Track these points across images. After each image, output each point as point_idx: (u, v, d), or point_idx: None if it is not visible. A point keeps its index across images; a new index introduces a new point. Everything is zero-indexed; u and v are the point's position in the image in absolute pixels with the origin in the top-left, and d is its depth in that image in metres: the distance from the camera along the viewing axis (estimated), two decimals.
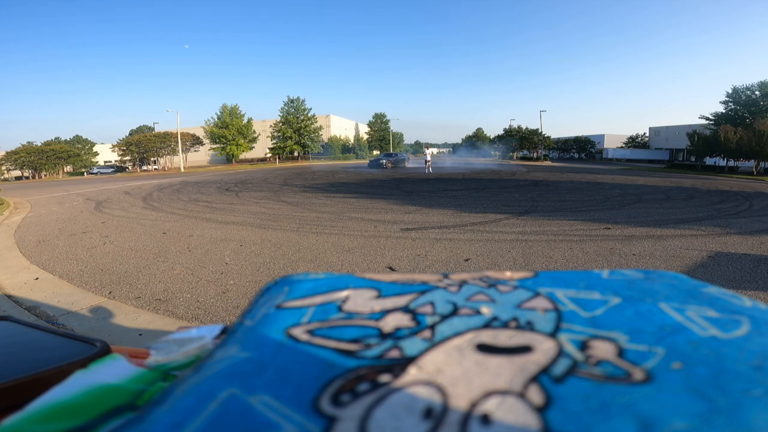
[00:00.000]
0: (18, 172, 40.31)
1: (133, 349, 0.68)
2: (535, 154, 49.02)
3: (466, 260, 4.65)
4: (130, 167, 46.59)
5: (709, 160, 31.59)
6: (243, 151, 47.66)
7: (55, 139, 47.48)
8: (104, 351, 0.55)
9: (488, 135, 64.95)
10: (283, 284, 0.44)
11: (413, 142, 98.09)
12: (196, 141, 45.71)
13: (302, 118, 49.68)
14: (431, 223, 6.88)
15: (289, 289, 0.42)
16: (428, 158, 22.59)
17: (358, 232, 6.17)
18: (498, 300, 0.38)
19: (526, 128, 49.92)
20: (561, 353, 0.29)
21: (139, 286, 3.92)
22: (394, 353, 0.30)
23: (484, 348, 0.30)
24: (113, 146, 49.12)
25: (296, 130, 49.14)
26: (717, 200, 10.30)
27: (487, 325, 0.33)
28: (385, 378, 0.27)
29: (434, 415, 0.23)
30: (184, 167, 40.38)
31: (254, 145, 49.31)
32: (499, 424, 0.23)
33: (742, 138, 26.47)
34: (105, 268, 4.57)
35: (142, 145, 43.37)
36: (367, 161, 31.24)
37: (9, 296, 3.72)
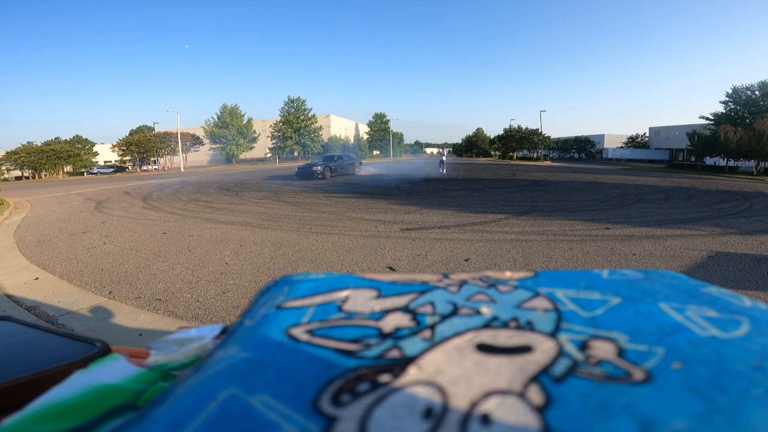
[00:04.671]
0: (18, 172, 40.27)
1: (133, 349, 0.68)
2: (535, 154, 49.03)
3: (466, 260, 4.65)
4: (130, 167, 46.60)
5: (709, 160, 31.57)
6: (243, 151, 47.71)
7: (55, 139, 47.38)
8: (104, 351, 0.55)
9: (488, 135, 64.95)
10: (283, 284, 0.44)
11: (413, 142, 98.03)
12: (196, 141, 45.75)
13: (302, 118, 49.75)
14: (431, 223, 6.89)
15: (289, 289, 0.42)
16: (444, 158, 22.18)
17: (358, 232, 6.17)
18: (498, 300, 0.38)
19: (526, 128, 49.92)
20: (561, 353, 0.29)
21: (139, 286, 3.92)
22: (394, 353, 0.30)
23: (484, 348, 0.30)
24: (113, 146, 49.09)
25: (296, 130, 49.18)
26: (717, 200, 10.30)
27: (487, 325, 0.33)
28: (385, 378, 0.27)
29: (434, 415, 0.23)
30: (184, 167, 40.40)
31: (254, 145, 49.37)
32: (499, 424, 0.23)
33: (742, 138, 26.46)
34: (105, 268, 4.57)
35: (142, 145, 43.37)
36: (296, 168, 19.90)
37: (9, 296, 3.72)
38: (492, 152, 58.68)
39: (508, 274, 0.44)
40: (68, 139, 48.33)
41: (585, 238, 5.70)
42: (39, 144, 42.40)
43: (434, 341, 0.31)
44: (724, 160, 29.63)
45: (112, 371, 0.38)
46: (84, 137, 50.03)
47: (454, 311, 0.36)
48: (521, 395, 0.25)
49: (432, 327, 0.33)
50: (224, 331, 0.51)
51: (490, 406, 0.24)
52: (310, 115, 50.20)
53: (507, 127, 51.77)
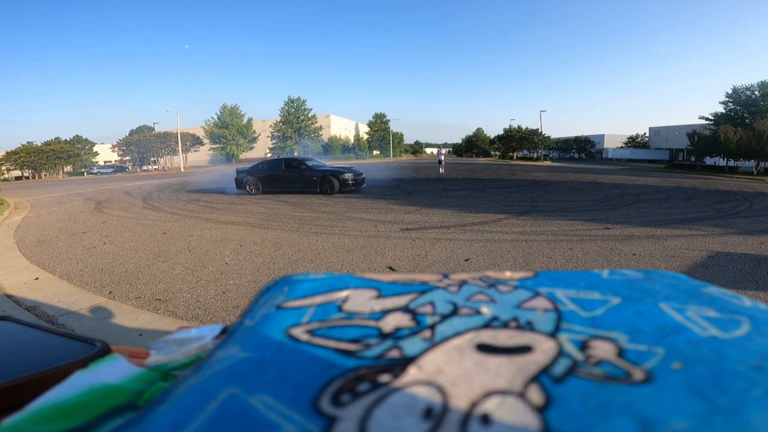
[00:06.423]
0: (18, 172, 40.27)
1: (133, 349, 0.69)
2: (535, 154, 49.05)
3: (466, 260, 4.65)
4: (130, 167, 46.62)
5: (709, 160, 31.58)
6: (243, 151, 47.73)
7: (55, 139, 47.23)
8: (104, 351, 0.55)
9: (488, 135, 65.01)
10: (283, 284, 0.44)
11: (413, 142, 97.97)
12: (196, 141, 45.77)
13: (302, 118, 49.80)
14: (431, 223, 6.88)
15: (289, 289, 0.42)
16: (442, 158, 22.34)
17: (358, 232, 6.17)
18: (498, 300, 0.38)
19: (526, 128, 49.95)
20: (561, 353, 0.29)
21: (139, 286, 3.92)
22: (394, 353, 0.30)
23: (484, 348, 0.30)
24: (113, 146, 49.10)
25: (296, 130, 49.22)
26: (717, 200, 10.30)
27: (487, 325, 0.33)
28: (385, 378, 0.27)
29: (434, 415, 0.23)
30: (184, 167, 40.39)
31: (254, 145, 49.38)
32: (499, 424, 0.23)
33: (742, 138, 26.46)
34: (105, 268, 4.57)
35: (142, 145, 43.42)
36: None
37: (9, 296, 3.72)
38: (492, 152, 58.72)
39: (508, 274, 0.44)
40: (68, 139, 48.24)
41: (585, 238, 5.70)
42: (39, 144, 42.37)
43: (434, 341, 0.31)
44: (724, 160, 29.63)
45: (112, 371, 0.38)
46: (84, 137, 49.94)
47: (454, 311, 0.36)
48: (521, 395, 0.25)
49: (432, 327, 0.33)
50: (224, 331, 0.51)
51: (490, 406, 0.24)
52: (310, 115, 50.25)
53: (507, 127, 51.83)
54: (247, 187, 11.92)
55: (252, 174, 12.05)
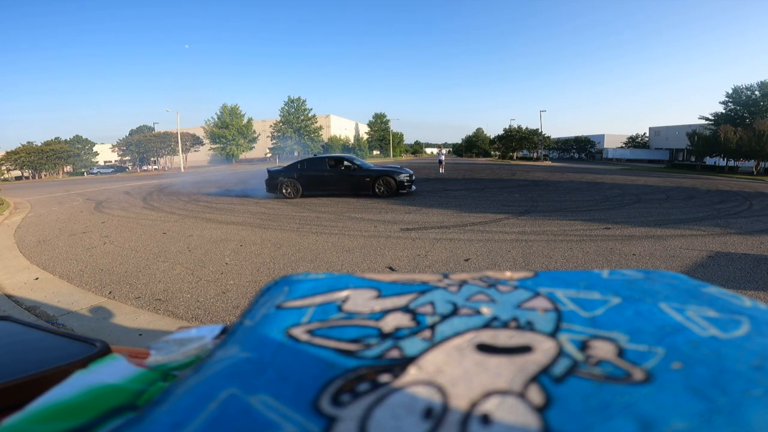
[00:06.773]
0: (18, 172, 40.29)
1: (133, 349, 0.69)
2: (535, 154, 49.06)
3: (466, 260, 4.65)
4: (130, 167, 46.66)
5: (709, 160, 31.59)
6: (243, 151, 47.74)
7: (55, 139, 47.16)
8: (104, 351, 0.55)
9: (488, 135, 65.04)
10: (283, 284, 0.44)
11: (413, 142, 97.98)
12: (196, 141, 45.81)
13: (302, 118, 49.83)
14: (431, 223, 6.88)
15: (289, 289, 0.42)
16: (442, 158, 22.23)
17: (358, 232, 6.17)
18: (498, 300, 0.38)
19: (526, 128, 49.96)
20: (561, 353, 0.29)
21: (139, 286, 3.92)
22: (394, 353, 0.30)
23: (484, 348, 0.30)
24: (113, 146, 49.13)
25: (296, 130, 49.25)
26: (717, 200, 10.30)
27: (487, 325, 0.33)
28: (385, 378, 0.27)
29: (434, 415, 0.23)
30: (184, 167, 40.40)
31: (254, 145, 49.39)
32: (499, 424, 0.23)
33: (742, 138, 26.47)
34: (105, 268, 4.57)
35: (142, 145, 43.47)
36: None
37: (9, 296, 3.72)
38: (492, 152, 58.73)
39: (508, 274, 0.44)
40: (68, 139, 48.15)
41: (585, 238, 5.70)
42: (39, 144, 42.37)
43: (434, 341, 0.31)
44: (724, 160, 29.64)
45: (112, 371, 0.38)
46: (84, 137, 49.87)
47: (454, 311, 0.36)
48: (521, 395, 0.25)
49: (432, 327, 0.33)
50: (224, 331, 0.51)
51: (490, 406, 0.24)
52: (310, 115, 50.27)
53: (507, 127, 51.82)
54: (284, 190, 10.65)
55: (290, 175, 10.77)
